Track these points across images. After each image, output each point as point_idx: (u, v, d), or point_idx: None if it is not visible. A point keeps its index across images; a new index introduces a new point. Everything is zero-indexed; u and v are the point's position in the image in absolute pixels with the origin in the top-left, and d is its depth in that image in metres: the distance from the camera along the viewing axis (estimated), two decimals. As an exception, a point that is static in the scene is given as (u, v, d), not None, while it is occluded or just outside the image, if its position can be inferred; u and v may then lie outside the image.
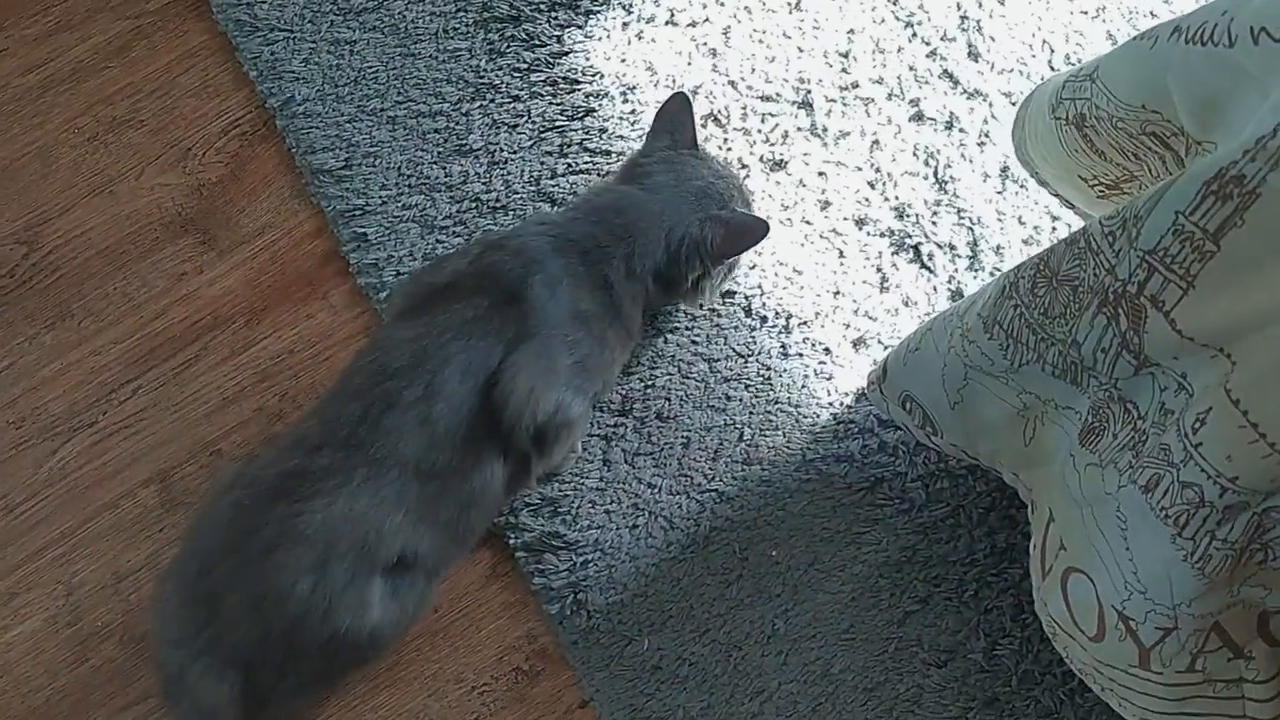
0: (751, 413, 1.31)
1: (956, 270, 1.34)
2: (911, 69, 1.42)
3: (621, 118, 1.41)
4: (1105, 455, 0.86)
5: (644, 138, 1.38)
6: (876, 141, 1.39)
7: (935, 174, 1.38)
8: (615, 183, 1.24)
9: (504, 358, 1.09)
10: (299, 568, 1.04)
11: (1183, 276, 0.72)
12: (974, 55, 1.41)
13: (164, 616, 1.09)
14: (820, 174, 1.38)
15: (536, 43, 1.44)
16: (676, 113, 1.24)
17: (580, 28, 1.45)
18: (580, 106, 1.42)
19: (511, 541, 1.27)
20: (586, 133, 1.41)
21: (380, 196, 1.40)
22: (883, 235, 1.36)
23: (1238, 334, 0.71)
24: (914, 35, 1.43)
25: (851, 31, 1.43)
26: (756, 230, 1.20)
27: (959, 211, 1.36)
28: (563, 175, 1.39)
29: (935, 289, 1.34)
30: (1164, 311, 0.74)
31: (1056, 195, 1.15)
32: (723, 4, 1.45)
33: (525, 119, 1.42)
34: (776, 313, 1.34)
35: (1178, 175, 0.72)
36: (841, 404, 1.31)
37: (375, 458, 1.06)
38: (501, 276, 1.12)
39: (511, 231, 1.18)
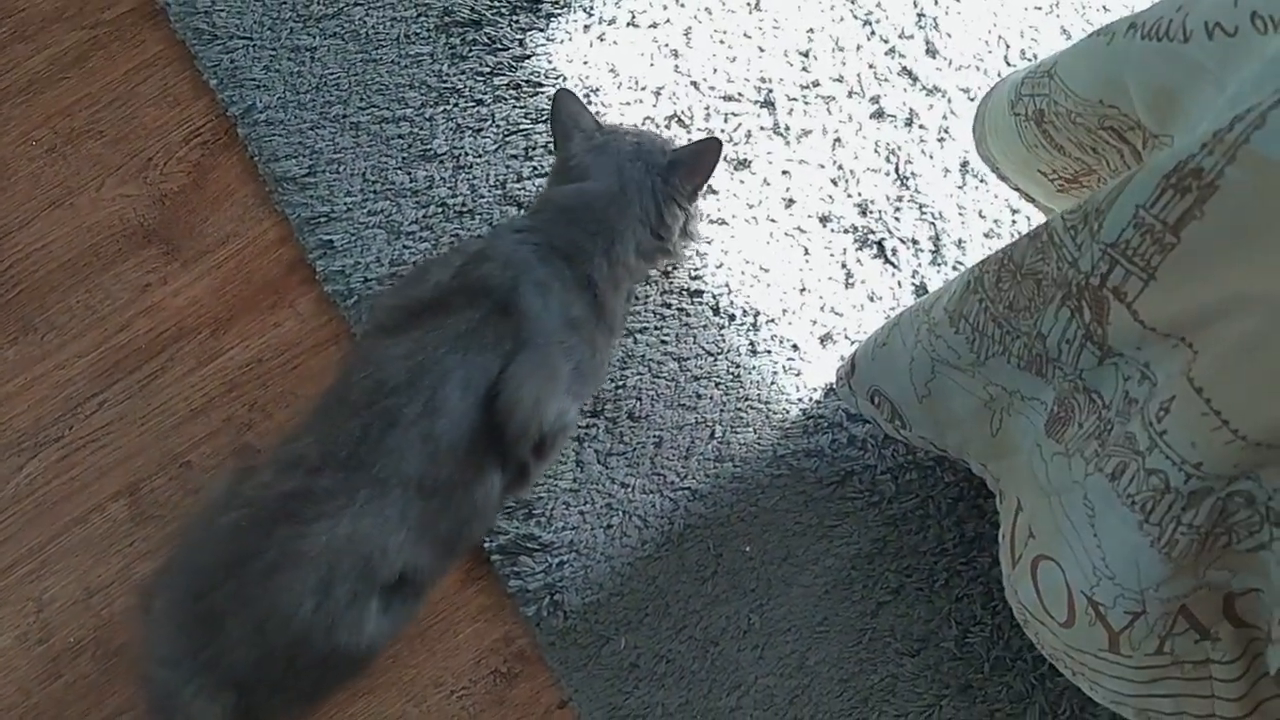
0: (722, 410, 1.32)
1: (920, 265, 1.36)
2: (871, 67, 1.43)
3: (585, 120, 1.41)
4: (1071, 445, 0.88)
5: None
6: (838, 139, 1.41)
7: (896, 170, 1.39)
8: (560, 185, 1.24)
9: (502, 369, 1.10)
10: (303, 590, 1.03)
11: (1144, 268, 0.73)
12: (932, 52, 1.43)
13: (154, 636, 1.07)
14: (784, 172, 1.39)
15: (499, 46, 1.44)
16: (570, 110, 1.24)
17: (542, 31, 1.45)
18: (544, 109, 1.42)
19: (487, 545, 1.27)
20: (551, 135, 1.41)
21: (345, 203, 1.39)
22: (846, 231, 1.37)
23: (1199, 323, 0.72)
24: (872, 33, 1.44)
25: (811, 30, 1.45)
26: (709, 148, 1.22)
27: (921, 207, 1.38)
28: (529, 178, 1.39)
29: (899, 284, 1.35)
30: (1126, 303, 0.75)
31: (1016, 189, 1.16)
32: (683, 5, 1.46)
33: (489, 123, 1.42)
34: (744, 310, 1.35)
35: (1137, 169, 0.73)
36: (810, 399, 1.32)
37: (378, 477, 1.05)
38: (491, 288, 1.12)
39: (490, 241, 1.18)
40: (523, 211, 1.38)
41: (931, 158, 1.39)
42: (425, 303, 1.13)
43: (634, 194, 1.20)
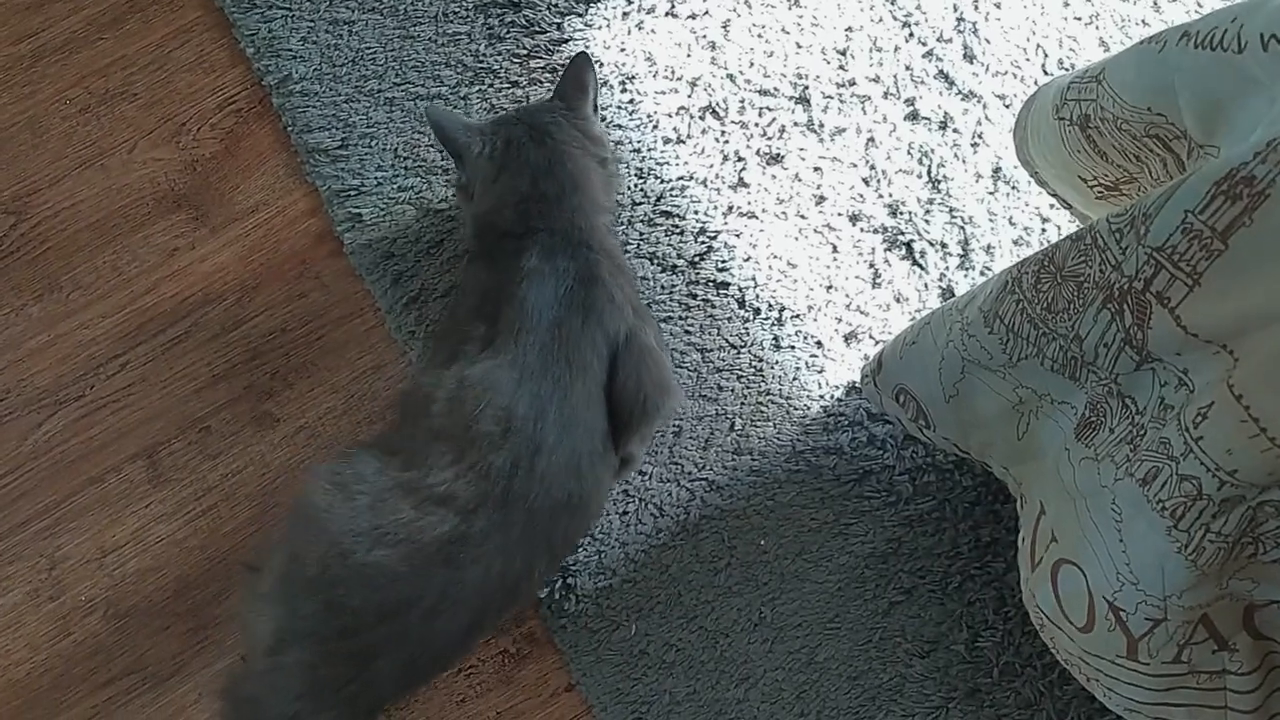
0: (743, 403, 1.32)
1: (948, 268, 1.36)
2: (908, 68, 1.43)
3: (620, 107, 1.41)
4: (1101, 449, 0.88)
5: (641, 128, 1.40)
6: (872, 139, 1.41)
7: (929, 173, 1.39)
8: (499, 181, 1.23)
9: (611, 374, 1.14)
10: (458, 629, 1.07)
11: (1189, 274, 0.73)
12: (969, 57, 1.43)
13: (282, 670, 1.08)
14: (816, 169, 1.40)
15: (536, 29, 1.45)
16: (448, 123, 1.25)
17: (580, 16, 1.45)
18: (579, 94, 1.42)
19: (502, 524, 1.27)
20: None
21: (376, 177, 1.40)
22: (876, 232, 1.38)
23: (1242, 331, 0.72)
24: (911, 35, 1.44)
25: (849, 30, 1.45)
26: (576, 62, 1.26)
27: (951, 210, 1.38)
28: (560, 162, 1.40)
29: (926, 286, 1.35)
30: (1169, 308, 0.76)
31: (1054, 196, 1.16)
32: (723, -3, 1.46)
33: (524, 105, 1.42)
34: (770, 305, 1.35)
35: (1188, 175, 0.74)
36: (832, 397, 1.32)
37: (532, 507, 1.08)
38: (557, 301, 1.15)
39: (521, 258, 1.17)
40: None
41: (964, 162, 1.39)
42: (489, 337, 1.15)
43: (558, 136, 1.23)
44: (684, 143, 1.41)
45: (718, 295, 1.35)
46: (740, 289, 1.36)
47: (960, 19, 1.45)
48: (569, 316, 1.14)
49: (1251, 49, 0.76)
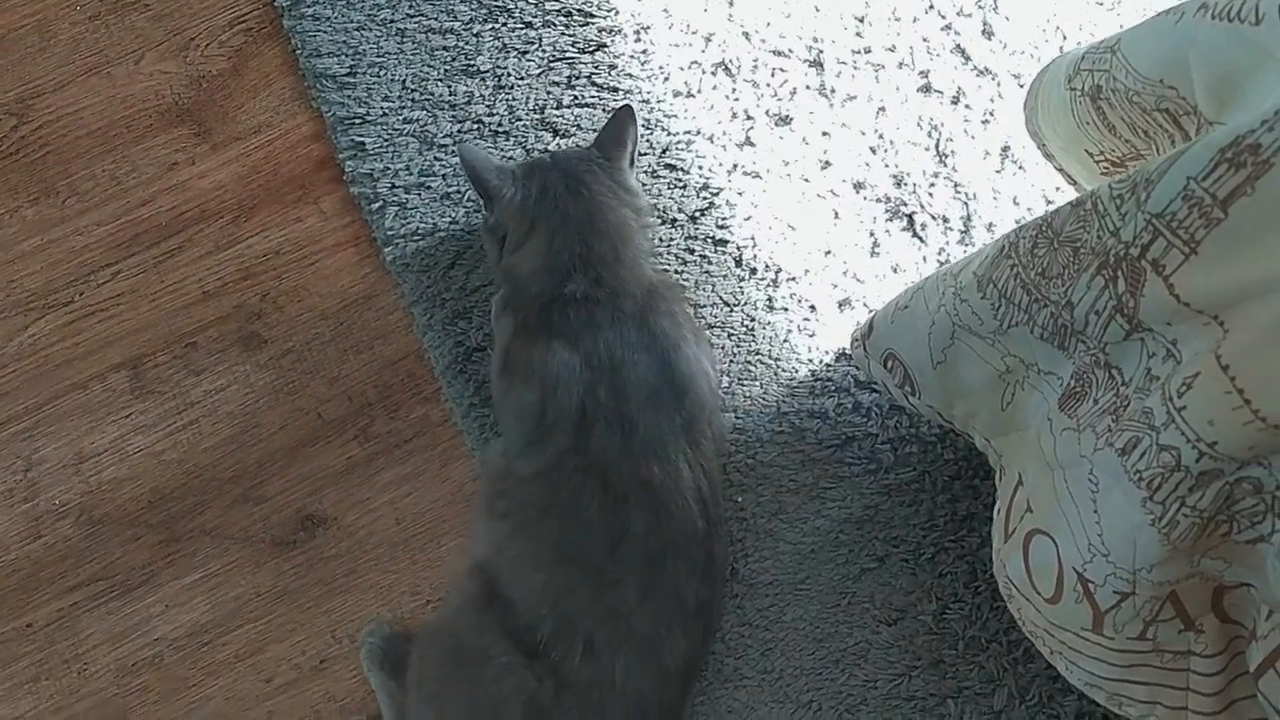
0: (732, 361, 1.32)
1: (948, 243, 1.35)
2: (925, 40, 1.42)
3: (632, 56, 1.40)
4: (1084, 420, 0.88)
5: (652, 79, 1.39)
6: (883, 108, 1.40)
7: (937, 146, 1.39)
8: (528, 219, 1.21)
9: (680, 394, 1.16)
10: None
11: (1187, 242, 0.73)
12: (988, 33, 1.42)
13: None
14: (824, 134, 1.39)
15: (554, -29, 1.43)
16: (479, 162, 1.23)
17: (600, -40, 1.44)
18: (592, 40, 1.41)
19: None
20: (596, 67, 1.40)
21: (382, 108, 1.39)
22: (879, 201, 1.37)
23: (1234, 302, 0.72)
24: (931, 7, 1.43)
25: (869, -4, 1.44)
26: (621, 114, 1.25)
27: (956, 185, 1.37)
28: (568, 107, 1.39)
29: (925, 258, 1.35)
30: (1164, 276, 0.75)
31: (1060, 171, 1.16)
32: (744, -46, 1.45)
33: (536, 46, 1.41)
34: (767, 265, 1.34)
35: (1194, 141, 0.73)
36: (821, 362, 1.32)
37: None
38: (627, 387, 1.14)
39: (599, 340, 1.16)
40: (560, 138, 1.37)
41: (974, 138, 1.39)
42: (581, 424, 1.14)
43: (594, 186, 1.21)
44: (694, 97, 1.40)
45: (715, 252, 1.35)
46: (738, 247, 1.35)
47: (981, -6, 1.44)
48: (639, 328, 1.16)
49: (1269, 21, 0.75)
